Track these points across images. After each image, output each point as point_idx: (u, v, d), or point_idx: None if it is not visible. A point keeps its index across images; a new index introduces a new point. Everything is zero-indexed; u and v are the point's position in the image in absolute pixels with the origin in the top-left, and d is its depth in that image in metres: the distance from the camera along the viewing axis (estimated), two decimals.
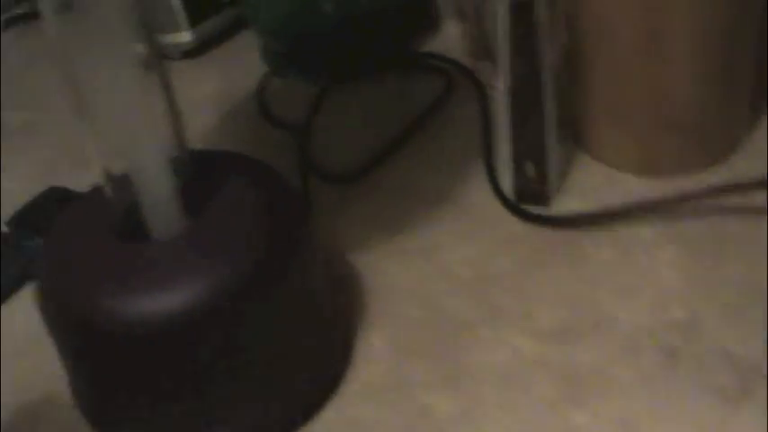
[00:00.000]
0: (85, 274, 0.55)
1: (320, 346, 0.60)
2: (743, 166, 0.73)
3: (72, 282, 0.55)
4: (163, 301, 0.52)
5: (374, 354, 0.64)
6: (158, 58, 0.54)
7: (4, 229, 0.79)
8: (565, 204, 0.73)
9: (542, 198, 0.72)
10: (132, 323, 0.52)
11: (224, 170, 0.59)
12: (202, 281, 0.52)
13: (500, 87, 0.77)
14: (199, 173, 0.57)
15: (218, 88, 0.93)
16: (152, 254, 0.54)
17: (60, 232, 0.59)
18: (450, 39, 0.92)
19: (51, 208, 0.80)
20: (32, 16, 1.20)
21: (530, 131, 0.70)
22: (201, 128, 0.87)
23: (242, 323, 0.53)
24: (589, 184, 0.74)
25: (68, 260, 0.56)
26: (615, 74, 0.70)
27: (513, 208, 0.72)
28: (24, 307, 0.74)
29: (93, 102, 0.53)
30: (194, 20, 0.97)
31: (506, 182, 0.73)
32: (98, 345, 0.53)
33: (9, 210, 0.82)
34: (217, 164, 0.60)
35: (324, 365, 0.61)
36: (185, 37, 0.97)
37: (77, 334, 0.54)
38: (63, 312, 0.55)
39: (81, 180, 0.84)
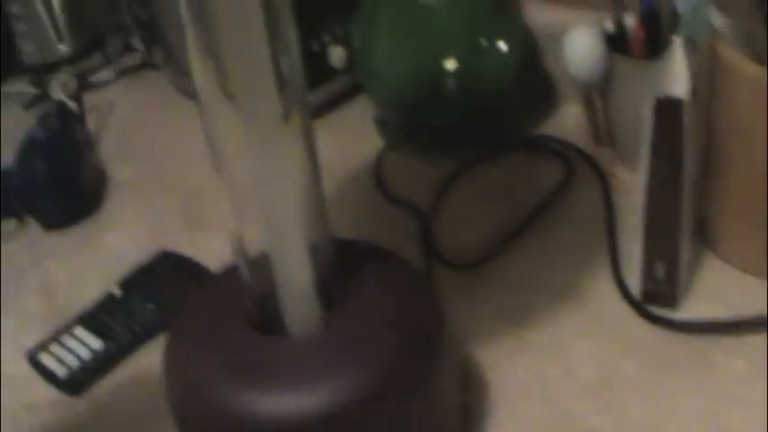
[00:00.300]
0: (217, 365, 0.53)
1: None
2: None
3: (202, 370, 0.54)
4: (299, 403, 0.50)
5: None
6: (302, 112, 0.53)
7: (116, 291, 0.78)
8: (693, 308, 0.70)
9: (671, 300, 0.70)
10: (265, 423, 0.50)
11: (362, 262, 0.58)
12: (340, 384, 0.51)
13: (629, 176, 0.76)
14: (338, 264, 0.56)
15: (331, 158, 0.91)
16: (289, 351, 0.53)
17: (191, 314, 0.58)
18: (569, 122, 0.90)
19: (164, 274, 0.79)
20: (144, 66, 1.21)
21: (664, 232, 0.68)
22: None
23: (376, 426, 0.52)
24: (719, 288, 0.72)
25: (199, 346, 0.55)
26: (752, 175, 0.68)
27: (640, 309, 0.70)
28: (136, 376, 0.73)
29: (229, 158, 0.52)
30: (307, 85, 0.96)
31: (633, 280, 0.71)
32: None
33: (118, 269, 0.81)
34: (355, 254, 0.59)
35: None
36: None
37: (205, 425, 0.53)
38: (191, 402, 0.54)
39: (195, 243, 0.83)
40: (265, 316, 0.55)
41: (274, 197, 0.51)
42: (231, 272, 0.57)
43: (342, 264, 0.57)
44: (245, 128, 0.50)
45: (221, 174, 0.53)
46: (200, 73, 0.51)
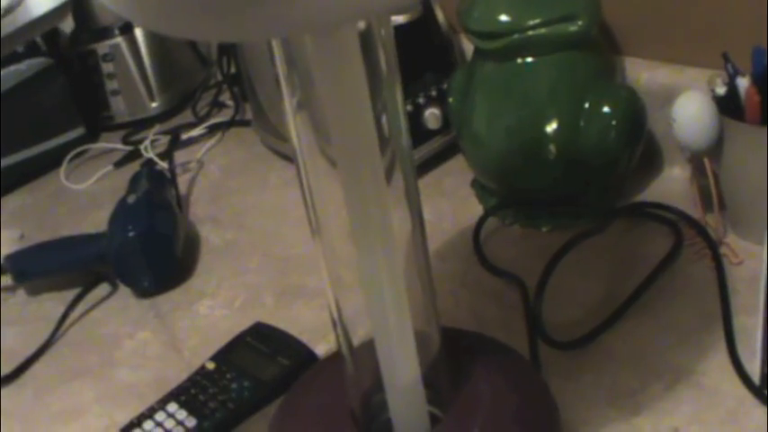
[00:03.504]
0: None
1: None
2: None
3: None
4: None
5: None
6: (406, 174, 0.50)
7: (210, 365, 0.77)
8: None
9: None
10: None
11: (471, 357, 0.55)
12: None
13: (742, 245, 0.72)
14: (446, 356, 0.53)
15: (427, 222, 0.89)
16: None
17: (295, 402, 0.56)
18: (675, 188, 0.86)
19: (258, 346, 0.77)
20: (235, 124, 1.20)
21: None
22: None
23: None
24: None
25: None
26: None
27: (761, 394, 0.66)
28: None
29: (328, 223, 0.50)
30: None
31: (751, 362, 0.67)
32: None
33: (211, 339, 0.80)
34: (463, 347, 0.56)
35: None
36: None
37: None
38: None
39: (288, 314, 0.81)
40: (370, 414, 0.52)
41: (377, 270, 0.48)
42: (333, 360, 0.55)
43: (451, 358, 0.54)
44: (345, 190, 0.47)
45: (318, 240, 0.50)
46: (297, 131, 0.49)
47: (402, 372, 0.51)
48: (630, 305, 0.75)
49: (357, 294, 0.51)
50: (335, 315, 0.53)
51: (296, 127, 0.48)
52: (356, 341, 0.53)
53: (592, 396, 0.68)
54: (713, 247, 0.79)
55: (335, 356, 0.55)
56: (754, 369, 0.67)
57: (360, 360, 0.52)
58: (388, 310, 0.50)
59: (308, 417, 0.54)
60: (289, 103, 0.48)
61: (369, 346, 0.52)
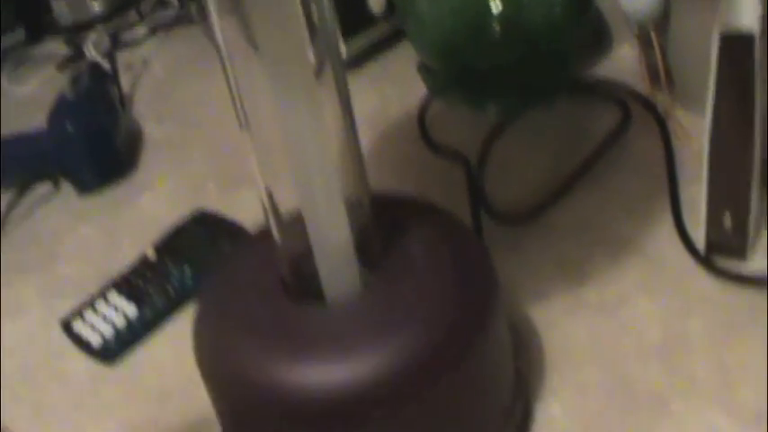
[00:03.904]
0: (252, 335, 0.50)
1: (499, 415, 0.54)
2: None
3: (234, 340, 0.50)
4: (337, 375, 0.46)
5: (556, 426, 0.57)
6: (337, 66, 0.48)
7: (151, 253, 0.75)
8: (762, 261, 0.65)
9: (739, 252, 0.65)
10: (301, 395, 0.47)
11: (404, 217, 0.54)
12: (383, 354, 0.47)
13: (690, 120, 0.71)
14: (378, 220, 0.52)
15: (374, 108, 0.87)
16: (327, 319, 0.49)
17: (224, 277, 0.54)
18: (624, 64, 0.84)
19: (200, 233, 0.76)
20: (179, 22, 1.17)
21: (732, 178, 0.63)
22: None
23: (422, 398, 0.48)
24: None
25: (230, 315, 0.51)
26: None
27: (706, 262, 0.65)
28: (172, 342, 0.70)
29: (257, 116, 0.48)
30: (346, 34, 0.92)
31: (697, 231, 0.66)
32: (263, 414, 0.48)
33: (154, 231, 0.78)
34: (395, 209, 0.54)
35: None
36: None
37: (239, 400, 0.49)
38: (222, 372, 0.50)
39: (231, 202, 0.79)
40: (301, 280, 0.51)
41: (305, 151, 0.47)
42: (264, 234, 0.53)
43: (383, 221, 0.53)
44: (272, 81, 0.45)
45: (247, 130, 0.49)
46: (222, 22, 0.46)
47: (331, 238, 0.49)
48: (577, 179, 0.74)
49: (288, 179, 0.49)
50: (266, 197, 0.51)
51: (219, 17, 0.46)
52: (286, 216, 0.52)
53: (537, 268, 0.67)
54: (661, 121, 0.77)
55: (265, 231, 0.54)
56: (699, 238, 0.66)
57: (289, 230, 0.51)
58: (315, 178, 0.48)
59: (237, 286, 0.52)
60: None
61: (298, 217, 0.50)
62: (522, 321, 0.63)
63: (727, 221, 0.64)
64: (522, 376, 0.58)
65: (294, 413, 0.47)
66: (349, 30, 0.93)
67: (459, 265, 0.51)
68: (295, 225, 0.50)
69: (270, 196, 0.51)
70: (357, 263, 0.50)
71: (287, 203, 0.51)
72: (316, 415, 0.46)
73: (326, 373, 0.46)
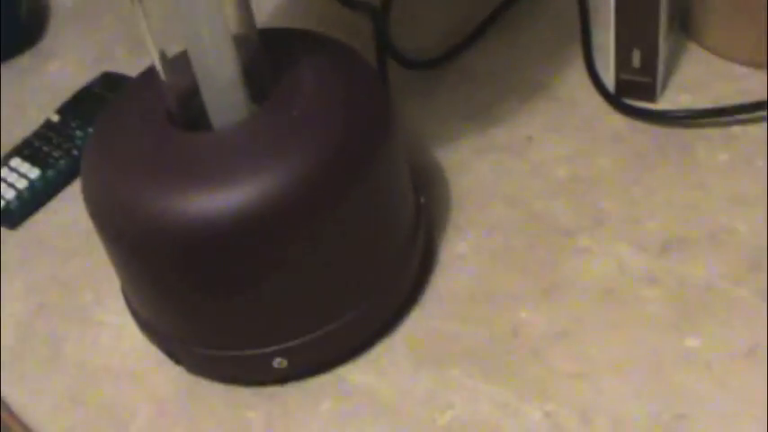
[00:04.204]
0: (137, 167, 0.48)
1: (400, 248, 0.53)
2: None
3: (121, 175, 0.48)
4: (225, 198, 0.45)
5: (460, 261, 0.57)
6: None
7: (55, 117, 0.73)
8: (672, 100, 0.64)
9: (648, 91, 0.64)
10: (189, 220, 0.45)
11: (295, 50, 0.52)
12: (270, 174, 0.45)
13: None
14: (268, 53, 0.50)
15: None
16: (213, 144, 0.48)
17: (110, 118, 0.53)
18: None
19: (106, 95, 0.73)
20: None
21: (639, 16, 0.61)
22: (264, 9, 0.79)
23: (313, 220, 0.47)
24: (700, 78, 0.66)
25: (117, 150, 0.50)
26: None
27: (616, 102, 0.64)
28: (77, 202, 0.68)
29: None
30: None
31: (607, 73, 0.65)
32: (152, 245, 0.47)
33: (61, 97, 0.76)
34: (286, 43, 0.53)
35: (404, 270, 0.54)
36: None
37: (127, 233, 0.48)
38: (111, 209, 0.48)
39: (139, 65, 0.76)
40: (190, 115, 0.49)
41: None
42: (150, 74, 0.51)
43: (275, 54, 0.51)
44: None
45: None
46: None
47: (216, 71, 0.48)
48: (488, 27, 0.72)
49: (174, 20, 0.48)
50: (150, 37, 0.49)
51: None
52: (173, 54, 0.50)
53: (447, 112, 0.66)
54: None
55: (150, 71, 0.52)
56: (609, 81, 0.65)
57: (175, 68, 0.49)
58: (201, 17, 0.46)
59: (125, 123, 0.51)
60: None
61: (183, 56, 0.48)
62: (430, 162, 0.63)
63: (636, 60, 0.63)
64: (426, 211, 0.57)
65: (178, 239, 0.46)
66: None
67: (350, 93, 0.49)
68: (181, 62, 0.49)
69: (154, 35, 0.49)
70: (244, 93, 0.49)
71: (175, 46, 0.49)
72: (201, 240, 0.45)
73: (213, 197, 0.45)
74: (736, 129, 0.62)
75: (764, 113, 0.61)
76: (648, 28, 0.62)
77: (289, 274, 0.48)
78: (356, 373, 0.53)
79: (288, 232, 0.47)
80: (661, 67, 0.63)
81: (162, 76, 0.50)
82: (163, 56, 0.50)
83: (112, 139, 0.50)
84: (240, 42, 0.48)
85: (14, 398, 0.56)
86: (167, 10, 0.48)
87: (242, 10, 0.49)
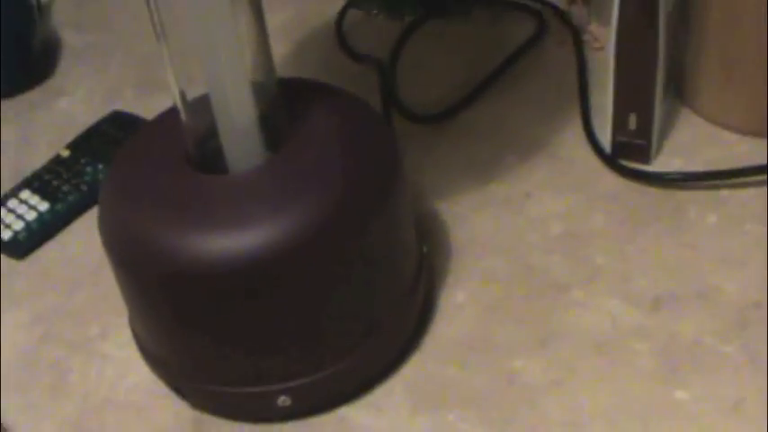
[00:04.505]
0: (155, 206, 0.50)
1: (403, 294, 0.55)
2: None
3: (139, 213, 0.50)
4: (239, 240, 0.47)
5: (459, 310, 0.59)
6: None
7: (65, 152, 0.75)
8: (666, 162, 0.67)
9: (643, 153, 0.67)
10: (204, 261, 0.47)
11: (310, 99, 0.54)
12: (282, 219, 0.47)
13: (604, 32, 0.72)
14: (284, 102, 0.52)
15: (292, 17, 0.87)
16: (229, 187, 0.50)
17: (128, 157, 0.54)
18: None
19: (115, 133, 0.75)
20: None
21: (636, 81, 0.64)
22: (275, 60, 0.82)
23: (322, 265, 0.49)
24: (692, 142, 0.68)
25: (136, 188, 0.52)
26: (731, 24, 0.64)
27: (611, 162, 0.67)
28: (84, 235, 0.70)
29: (170, 13, 0.48)
30: None
31: (604, 134, 0.68)
32: (166, 282, 0.49)
33: (70, 133, 0.78)
34: (302, 92, 0.55)
35: (406, 316, 0.56)
36: None
37: (142, 269, 0.50)
38: (128, 245, 0.50)
39: (147, 105, 0.79)
40: (207, 157, 0.51)
41: (214, 37, 0.47)
42: (169, 115, 0.53)
43: (291, 103, 0.53)
44: None
45: (162, 35, 0.49)
46: None
47: (235, 116, 0.50)
48: (491, 84, 0.75)
49: (197, 63, 0.50)
50: (173, 81, 0.51)
51: None
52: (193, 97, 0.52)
53: (448, 166, 0.69)
54: (575, 32, 0.79)
55: (169, 113, 0.54)
56: (606, 142, 0.68)
57: (195, 110, 0.51)
58: (222, 62, 0.49)
59: (143, 162, 0.53)
60: None
61: (203, 99, 0.50)
62: (430, 214, 0.65)
63: (632, 123, 0.66)
64: (428, 260, 0.59)
65: (192, 278, 0.47)
66: None
67: (362, 143, 0.51)
68: (202, 106, 0.51)
69: (177, 79, 0.51)
70: (260, 139, 0.51)
71: (195, 87, 0.51)
72: (213, 280, 0.47)
73: (226, 239, 0.47)
74: (726, 192, 0.64)
75: (752, 179, 0.64)
76: (645, 93, 0.64)
77: (297, 315, 0.50)
78: (357, 414, 0.55)
79: (297, 275, 0.48)
80: (656, 131, 0.66)
81: (182, 116, 0.52)
82: (183, 97, 0.52)
83: (130, 176, 0.52)
84: (259, 89, 0.51)
85: (18, 427, 0.58)
86: (191, 51, 0.50)
87: (262, 58, 0.52)
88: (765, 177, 0.64)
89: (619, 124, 0.66)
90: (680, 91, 0.71)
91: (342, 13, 0.84)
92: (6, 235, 0.69)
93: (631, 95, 0.65)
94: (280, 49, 0.83)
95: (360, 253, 0.50)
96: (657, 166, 0.67)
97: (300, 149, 0.50)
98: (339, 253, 0.49)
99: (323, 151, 0.50)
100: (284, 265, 0.48)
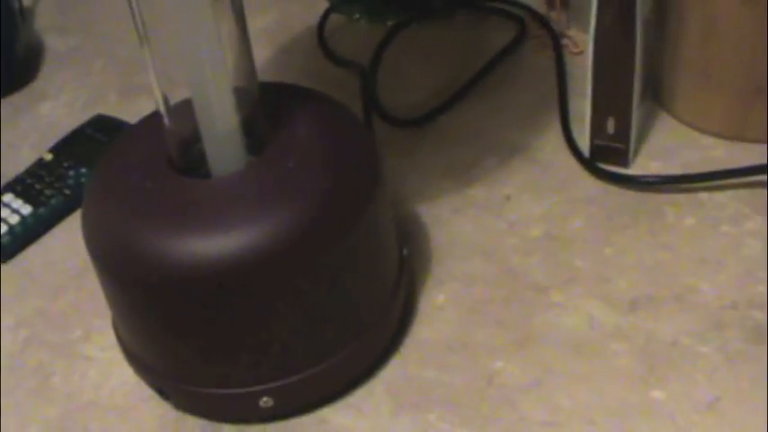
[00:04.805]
0: (138, 209, 0.51)
1: (383, 296, 0.56)
2: None
3: (122, 216, 0.51)
4: (222, 243, 0.48)
5: (439, 312, 0.60)
6: None
7: (48, 156, 0.75)
8: (643, 165, 0.68)
9: (621, 157, 0.68)
10: (186, 263, 0.48)
11: (292, 104, 0.55)
12: (265, 223, 0.48)
13: (582, 37, 0.73)
14: (266, 106, 0.53)
15: (275, 22, 0.88)
16: (212, 191, 0.50)
17: (111, 161, 0.55)
18: None
19: (98, 137, 0.76)
20: None
21: (614, 85, 0.65)
22: (258, 64, 0.82)
23: (300, 270, 0.49)
24: (670, 146, 0.69)
25: (119, 192, 0.52)
26: (708, 30, 0.65)
27: (589, 165, 0.68)
28: (67, 239, 0.70)
29: (152, 18, 0.49)
30: None
31: (583, 137, 0.68)
32: (149, 285, 0.49)
33: (53, 136, 0.78)
34: (284, 97, 0.56)
35: (386, 318, 0.57)
36: None
37: (126, 272, 0.50)
38: (111, 249, 0.51)
39: (130, 109, 0.80)
40: (190, 161, 0.52)
41: (196, 41, 0.48)
42: (153, 119, 0.54)
43: (273, 108, 0.54)
44: None
45: (144, 38, 0.49)
46: None
47: (218, 121, 0.50)
48: (471, 88, 0.75)
49: (179, 66, 0.50)
50: (156, 85, 0.52)
51: None
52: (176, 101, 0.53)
53: (428, 170, 0.69)
54: (555, 38, 0.80)
55: (151, 117, 0.54)
56: (584, 144, 0.68)
57: (178, 115, 0.52)
58: (206, 68, 0.49)
59: (126, 166, 0.53)
60: None
61: (186, 103, 0.51)
62: (411, 217, 0.65)
63: (611, 127, 0.67)
64: (408, 263, 0.60)
65: (175, 281, 0.48)
66: None
67: (342, 148, 0.52)
68: (184, 110, 0.51)
69: (160, 82, 0.51)
70: (243, 143, 0.51)
71: (178, 91, 0.52)
72: (196, 282, 0.48)
73: (209, 242, 0.47)
74: (703, 195, 0.65)
75: (728, 181, 0.65)
76: (623, 97, 0.65)
77: (278, 318, 0.51)
78: (338, 415, 0.55)
79: (279, 279, 0.49)
80: (634, 135, 0.67)
81: (165, 121, 0.52)
82: (166, 101, 0.52)
83: (113, 180, 0.53)
84: (241, 94, 0.51)
85: (1, 430, 0.58)
86: (173, 56, 0.50)
87: (244, 63, 0.52)
88: (741, 180, 0.65)
89: (597, 128, 0.67)
90: (658, 95, 0.72)
91: (324, 18, 0.85)
92: None
93: (609, 100, 0.66)
94: (262, 54, 0.84)
95: (341, 257, 0.50)
96: (636, 169, 0.67)
97: (282, 154, 0.51)
98: (320, 257, 0.49)
99: (304, 156, 0.51)
100: (266, 269, 0.48)
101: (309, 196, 0.49)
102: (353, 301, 0.53)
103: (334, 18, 0.86)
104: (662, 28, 0.68)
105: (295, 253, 0.48)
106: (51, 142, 0.77)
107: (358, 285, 0.53)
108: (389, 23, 0.83)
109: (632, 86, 0.65)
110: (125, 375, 0.58)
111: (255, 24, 0.86)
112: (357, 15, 0.85)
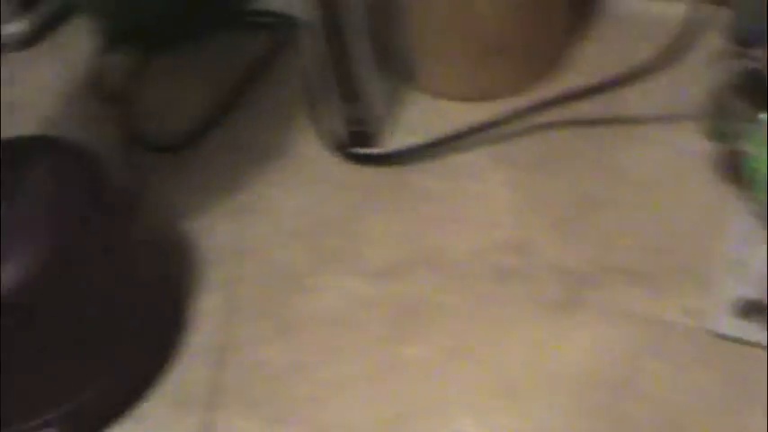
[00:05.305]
0: None
1: (147, 316, 0.60)
2: (562, 83, 0.73)
3: None
4: None
5: (206, 317, 0.63)
6: None
7: None
8: (396, 142, 0.72)
9: (370, 138, 0.72)
10: None
11: (32, 156, 0.58)
12: (14, 260, 0.52)
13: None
14: (8, 160, 0.57)
15: (58, 73, 0.90)
16: None
17: None
18: None
19: None
20: None
21: (344, 73, 0.69)
22: (41, 115, 0.84)
23: (47, 311, 0.53)
24: (419, 119, 0.74)
25: None
26: (430, 6, 0.70)
27: (342, 152, 0.72)
28: None
29: None
30: (27, 7, 0.94)
31: (332, 127, 0.72)
32: None
33: None
34: (26, 150, 0.59)
35: (154, 334, 0.61)
36: (19, 26, 0.94)
37: None
38: None
39: None
40: None
41: None
42: None
43: (14, 160, 0.57)
44: None
45: None
46: None
47: None
48: (229, 105, 0.78)
49: None
50: None
51: None
52: None
53: (193, 188, 0.72)
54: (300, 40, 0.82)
55: None
56: (336, 134, 0.72)
57: None
58: None
59: None
60: None
61: None
62: (180, 231, 0.69)
63: (353, 113, 0.71)
64: (173, 278, 0.63)
65: None
66: (29, 3, 0.95)
67: (66, 186, 0.56)
68: None
69: None
70: None
71: None
72: None
73: None
74: (454, 158, 0.70)
75: (470, 140, 0.69)
76: (354, 84, 0.69)
77: (44, 352, 0.54)
78: (127, 430, 0.58)
79: (29, 315, 0.53)
80: (376, 115, 0.71)
81: None
82: None
83: None
84: None
85: None
86: None
87: None
88: (485, 136, 0.69)
89: (344, 116, 0.71)
90: (406, 75, 0.76)
91: (95, 62, 0.87)
92: None
93: (348, 88, 0.70)
94: (45, 106, 0.85)
95: (90, 292, 0.55)
96: (393, 147, 0.71)
97: (19, 206, 0.54)
98: (66, 295, 0.53)
99: (30, 207, 0.54)
100: (16, 305, 0.52)
101: (37, 242, 0.53)
102: (118, 324, 0.57)
103: (112, 59, 0.88)
104: (386, 9, 0.72)
105: (39, 297, 0.52)
106: None
107: (119, 306, 0.57)
108: (150, 54, 0.85)
109: (361, 72, 0.69)
110: None
111: (39, 79, 0.88)
112: (122, 52, 0.87)
